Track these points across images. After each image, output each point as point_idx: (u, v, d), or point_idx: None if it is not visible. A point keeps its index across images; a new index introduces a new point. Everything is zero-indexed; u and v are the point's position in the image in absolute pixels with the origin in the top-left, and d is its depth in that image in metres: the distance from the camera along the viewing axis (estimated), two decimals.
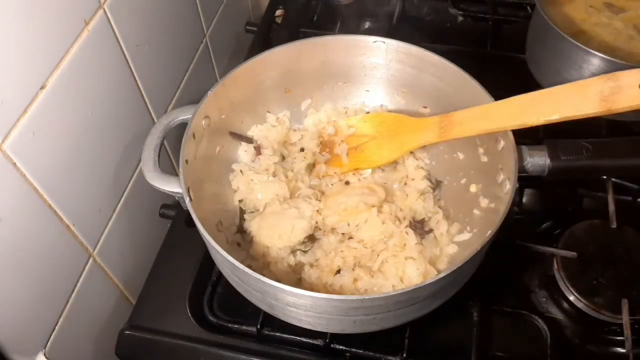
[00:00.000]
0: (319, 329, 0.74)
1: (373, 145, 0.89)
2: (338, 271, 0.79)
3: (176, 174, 0.72)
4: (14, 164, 0.64)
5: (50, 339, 0.77)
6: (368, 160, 0.89)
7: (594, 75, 0.90)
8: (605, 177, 0.91)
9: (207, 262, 0.84)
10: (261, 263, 0.81)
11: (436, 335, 0.82)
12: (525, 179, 0.75)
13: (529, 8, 1.20)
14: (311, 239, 0.83)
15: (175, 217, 0.93)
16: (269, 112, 0.93)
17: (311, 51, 0.89)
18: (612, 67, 0.87)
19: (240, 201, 0.87)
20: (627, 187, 0.93)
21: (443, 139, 0.80)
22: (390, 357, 0.78)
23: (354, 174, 0.90)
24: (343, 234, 0.83)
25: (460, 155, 0.89)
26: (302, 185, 0.88)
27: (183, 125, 0.78)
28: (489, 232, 0.67)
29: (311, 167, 0.91)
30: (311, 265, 0.80)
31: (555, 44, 0.94)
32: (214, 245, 0.66)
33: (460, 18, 1.25)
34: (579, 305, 0.82)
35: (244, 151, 0.90)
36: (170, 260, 0.89)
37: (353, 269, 0.78)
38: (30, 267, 0.70)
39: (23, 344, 0.73)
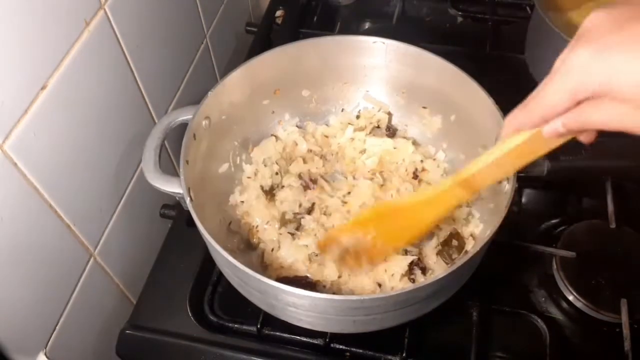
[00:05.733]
0: (318, 328, 0.74)
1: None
2: None
3: (177, 174, 0.73)
4: (15, 164, 0.64)
5: (51, 339, 0.77)
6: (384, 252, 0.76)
7: None
8: (604, 177, 0.91)
9: (208, 262, 0.84)
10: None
11: (436, 335, 0.82)
12: (524, 179, 0.76)
13: (528, 9, 1.20)
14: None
15: (176, 217, 0.94)
16: (273, 112, 0.94)
17: (311, 52, 0.89)
18: None
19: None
20: (626, 187, 0.93)
21: (469, 197, 0.70)
22: (390, 357, 0.78)
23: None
24: None
25: (461, 156, 0.89)
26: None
27: (184, 126, 0.78)
28: (489, 232, 0.67)
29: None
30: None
31: (555, 45, 0.94)
32: (214, 246, 0.66)
33: (460, 19, 1.25)
34: (578, 305, 0.82)
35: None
36: (171, 260, 0.89)
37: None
38: (31, 266, 0.71)
39: (24, 344, 0.73)
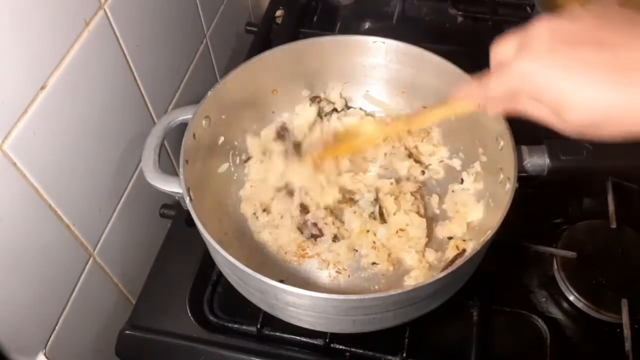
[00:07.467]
0: (319, 328, 0.74)
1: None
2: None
3: (176, 174, 0.73)
4: (14, 163, 0.64)
5: (51, 339, 0.77)
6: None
7: None
8: (604, 177, 0.91)
9: (207, 262, 0.84)
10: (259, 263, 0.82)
11: (436, 335, 0.82)
12: (524, 179, 0.75)
13: (528, 9, 1.20)
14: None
15: (176, 217, 0.94)
16: (273, 112, 0.93)
17: (311, 51, 0.89)
18: None
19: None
20: (626, 187, 0.93)
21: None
22: (390, 357, 0.78)
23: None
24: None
25: (461, 156, 0.89)
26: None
27: (183, 126, 0.78)
28: (489, 232, 0.67)
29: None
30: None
31: None
32: (214, 245, 0.66)
33: (460, 18, 1.25)
34: (579, 305, 0.82)
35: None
36: (170, 260, 0.89)
37: None
38: (30, 267, 0.71)
39: (23, 344, 0.73)
